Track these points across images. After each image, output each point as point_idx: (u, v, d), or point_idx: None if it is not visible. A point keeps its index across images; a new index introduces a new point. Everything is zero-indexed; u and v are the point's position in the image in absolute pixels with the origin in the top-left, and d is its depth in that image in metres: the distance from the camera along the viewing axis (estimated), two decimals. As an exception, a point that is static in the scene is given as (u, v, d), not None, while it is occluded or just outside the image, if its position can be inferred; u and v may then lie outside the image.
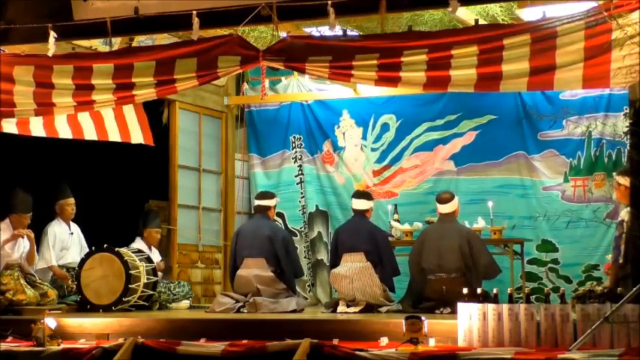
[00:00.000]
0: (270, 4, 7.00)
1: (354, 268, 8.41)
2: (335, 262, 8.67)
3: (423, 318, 6.25)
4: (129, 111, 9.59)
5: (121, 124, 9.52)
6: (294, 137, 11.06)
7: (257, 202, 9.08)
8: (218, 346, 6.45)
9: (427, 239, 8.48)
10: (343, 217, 10.65)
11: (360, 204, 8.78)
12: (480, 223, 9.17)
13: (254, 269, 8.63)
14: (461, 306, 6.39)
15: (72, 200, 9.34)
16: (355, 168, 10.81)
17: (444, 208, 8.53)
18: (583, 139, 9.81)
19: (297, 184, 11.02)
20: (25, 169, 9.41)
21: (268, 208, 8.97)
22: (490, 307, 6.30)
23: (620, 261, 6.77)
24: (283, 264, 8.67)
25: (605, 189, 9.56)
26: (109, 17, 7.38)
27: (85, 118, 9.21)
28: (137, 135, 9.69)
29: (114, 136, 9.49)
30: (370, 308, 8.33)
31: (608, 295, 6.23)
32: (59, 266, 9.16)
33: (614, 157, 9.67)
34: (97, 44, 8.77)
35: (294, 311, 8.40)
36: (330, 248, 9.73)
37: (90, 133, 9.29)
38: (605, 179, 9.64)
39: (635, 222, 6.27)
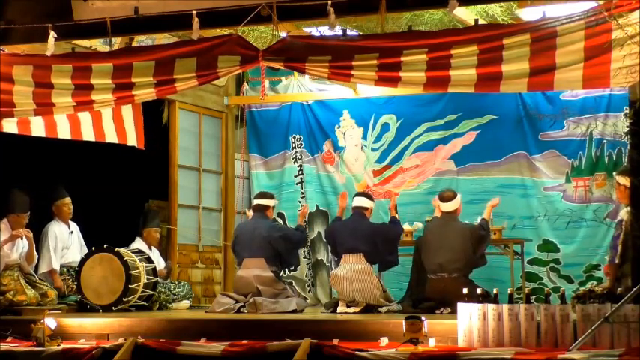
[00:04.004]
0: (270, 4, 7.00)
1: (354, 269, 8.40)
2: (335, 256, 8.67)
3: (423, 318, 6.25)
4: (127, 112, 9.60)
5: (118, 126, 9.53)
6: (294, 137, 11.07)
7: (256, 202, 9.08)
8: (218, 346, 6.45)
9: (428, 238, 8.47)
10: (344, 217, 10.66)
11: (362, 201, 8.77)
12: (480, 223, 9.16)
13: (254, 269, 8.62)
14: (461, 306, 6.39)
15: (68, 200, 9.33)
16: (356, 168, 10.82)
17: (447, 207, 8.52)
18: (584, 139, 9.81)
19: (297, 184, 11.02)
20: (24, 169, 9.40)
21: (267, 207, 8.97)
22: (490, 307, 6.30)
23: (617, 261, 6.77)
24: (285, 257, 8.72)
25: (606, 189, 9.56)
26: (109, 17, 7.38)
27: (84, 119, 9.21)
28: (132, 137, 9.70)
29: (111, 137, 9.50)
30: (370, 308, 8.32)
31: (608, 295, 6.23)
32: (60, 266, 9.16)
33: (614, 157, 9.67)
34: (97, 44, 8.78)
35: (294, 311, 8.40)
36: (325, 242, 9.82)
37: (88, 134, 9.30)
38: (605, 179, 9.64)
39: (635, 222, 6.26)
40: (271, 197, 9.12)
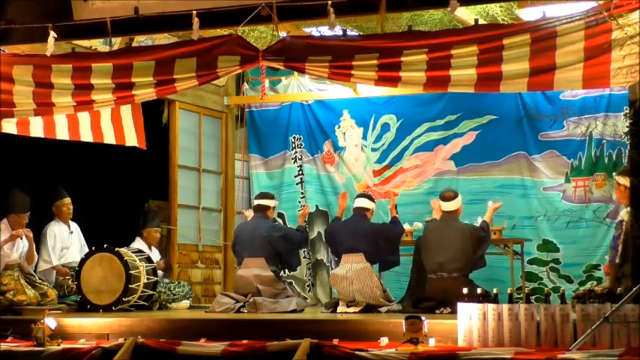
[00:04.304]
0: (270, 4, 7.00)
1: (354, 269, 8.39)
2: (335, 256, 8.67)
3: (423, 318, 6.25)
4: (126, 112, 9.60)
5: (116, 126, 9.53)
6: (294, 137, 11.07)
7: (256, 202, 9.08)
8: (218, 346, 6.45)
9: (428, 238, 8.47)
10: (343, 217, 10.66)
11: (363, 202, 8.78)
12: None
13: (254, 269, 8.62)
14: (461, 306, 6.39)
15: (68, 200, 9.34)
16: (356, 168, 10.82)
17: (448, 206, 8.52)
18: (584, 139, 9.81)
19: (297, 184, 11.02)
20: (24, 169, 9.40)
21: (268, 208, 8.97)
22: (490, 307, 6.30)
23: (617, 261, 6.77)
24: (285, 258, 8.71)
25: (606, 189, 9.56)
26: (109, 17, 7.37)
27: (83, 119, 9.21)
28: (131, 137, 9.70)
29: (109, 138, 9.50)
30: (370, 308, 8.32)
31: (608, 295, 6.22)
32: (61, 266, 9.17)
33: (614, 157, 9.67)
34: (97, 44, 8.78)
35: (294, 311, 8.40)
36: (325, 242, 9.84)
37: (86, 135, 9.30)
38: (605, 179, 9.64)
39: (635, 222, 6.26)
40: (272, 197, 9.13)
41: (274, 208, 9.19)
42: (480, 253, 8.32)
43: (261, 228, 8.76)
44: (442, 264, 8.21)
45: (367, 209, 8.76)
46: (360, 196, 8.98)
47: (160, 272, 9.48)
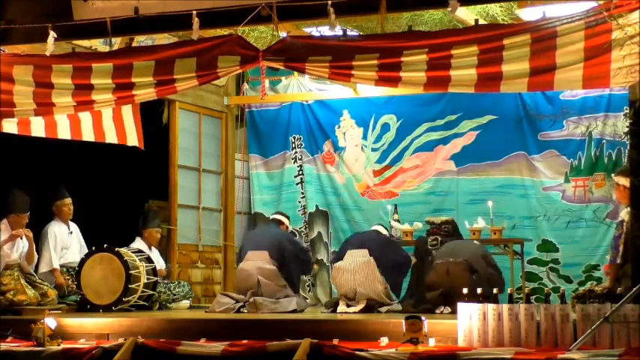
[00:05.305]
0: (270, 4, 7.00)
1: (357, 262, 8.39)
2: (338, 257, 8.73)
3: (423, 318, 6.25)
4: (126, 112, 9.60)
5: (118, 126, 9.53)
6: (294, 137, 11.08)
7: (273, 216, 9.35)
8: (218, 346, 6.45)
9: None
10: (344, 217, 10.70)
11: (379, 227, 8.97)
12: (480, 223, 9.17)
13: (256, 261, 8.58)
14: (461, 306, 6.39)
15: (69, 200, 9.33)
16: (356, 168, 10.83)
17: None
18: (583, 139, 9.82)
19: (297, 184, 11.03)
20: (24, 169, 9.40)
21: (282, 222, 9.17)
22: (490, 307, 6.30)
23: (618, 261, 6.77)
24: (288, 259, 8.72)
25: (606, 189, 9.57)
26: (109, 17, 7.38)
27: (84, 119, 9.21)
28: (132, 137, 9.70)
29: (111, 137, 9.50)
30: (370, 308, 8.31)
31: (608, 295, 6.23)
32: (60, 266, 9.16)
33: (614, 157, 9.68)
34: (97, 44, 8.78)
35: (294, 311, 8.39)
36: (325, 242, 9.87)
37: (88, 134, 9.30)
38: (605, 179, 9.65)
39: (635, 222, 6.26)
40: (287, 217, 9.35)
41: (287, 227, 9.31)
42: (486, 269, 8.21)
43: (274, 232, 8.94)
44: (452, 250, 8.11)
45: (381, 233, 8.89)
46: (377, 224, 9.11)
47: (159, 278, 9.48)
